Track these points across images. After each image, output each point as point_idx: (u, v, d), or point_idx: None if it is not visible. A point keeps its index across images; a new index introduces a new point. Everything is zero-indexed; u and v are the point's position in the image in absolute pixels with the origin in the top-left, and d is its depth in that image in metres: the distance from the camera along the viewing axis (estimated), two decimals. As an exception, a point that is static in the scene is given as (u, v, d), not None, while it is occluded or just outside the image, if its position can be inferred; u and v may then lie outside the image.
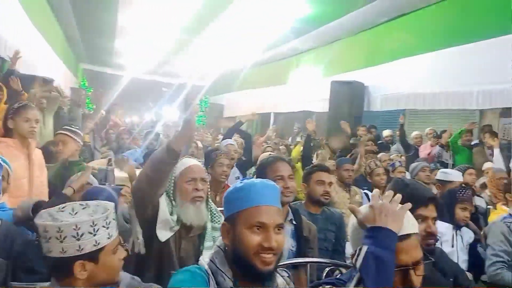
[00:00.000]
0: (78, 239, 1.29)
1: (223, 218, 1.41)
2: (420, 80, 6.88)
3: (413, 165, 4.69)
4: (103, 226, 1.35)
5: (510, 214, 2.92)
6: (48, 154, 3.18)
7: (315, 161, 5.01)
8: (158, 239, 1.89)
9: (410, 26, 7.38)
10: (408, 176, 4.54)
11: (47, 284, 1.41)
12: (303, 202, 2.90)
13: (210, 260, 1.33)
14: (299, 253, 2.34)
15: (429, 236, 1.78)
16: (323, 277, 2.10)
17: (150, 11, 8.54)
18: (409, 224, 1.35)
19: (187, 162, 2.04)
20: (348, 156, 5.02)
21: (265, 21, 8.57)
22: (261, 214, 1.26)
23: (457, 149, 6.09)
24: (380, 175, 4.09)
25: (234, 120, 11.90)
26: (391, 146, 7.08)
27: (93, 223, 1.32)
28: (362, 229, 1.34)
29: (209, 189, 2.08)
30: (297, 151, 4.49)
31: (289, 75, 11.55)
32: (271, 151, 5.46)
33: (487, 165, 4.96)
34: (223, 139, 5.00)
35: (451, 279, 2.18)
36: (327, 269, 2.17)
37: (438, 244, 2.48)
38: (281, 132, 10.43)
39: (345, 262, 2.38)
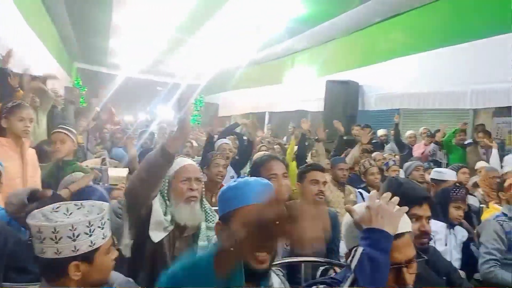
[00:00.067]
0: (74, 240, 1.28)
1: (217, 218, 1.41)
2: (414, 79, 6.91)
3: (407, 164, 4.72)
4: (99, 227, 1.34)
5: (503, 213, 2.95)
6: (42, 154, 3.16)
7: (309, 160, 5.02)
8: (151, 240, 1.88)
9: (404, 26, 7.41)
10: (402, 174, 4.57)
11: (37, 285, 1.39)
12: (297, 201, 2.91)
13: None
14: (293, 252, 2.34)
15: (423, 235, 1.80)
16: (318, 276, 2.11)
17: (145, 10, 8.51)
18: (403, 223, 1.36)
19: (181, 161, 2.04)
20: (342, 155, 5.04)
21: (260, 21, 8.57)
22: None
23: (451, 148, 6.15)
24: (374, 174, 4.11)
25: (228, 119, 11.91)
26: (386, 145, 7.12)
27: (89, 223, 1.31)
28: (358, 230, 1.35)
29: (203, 189, 2.08)
30: (291, 149, 4.51)
31: (284, 75, 11.56)
32: (265, 150, 5.47)
33: (480, 164, 4.99)
34: (218, 139, 5.01)
35: (444, 277, 2.19)
36: (321, 268, 2.18)
37: (431, 243, 2.50)
38: (276, 131, 10.45)
39: (339, 261, 2.39)
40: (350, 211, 1.41)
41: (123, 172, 4.13)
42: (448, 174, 3.86)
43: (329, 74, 8.88)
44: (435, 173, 3.93)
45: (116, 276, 1.58)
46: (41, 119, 4.38)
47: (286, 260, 2.16)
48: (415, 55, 6.90)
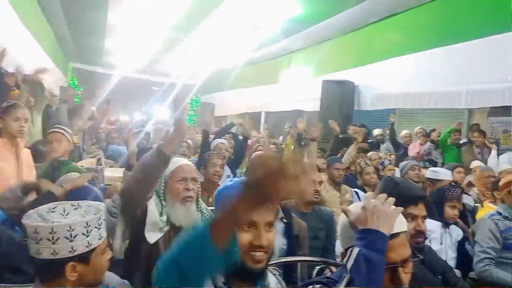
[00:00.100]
0: (71, 240, 1.27)
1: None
2: (409, 79, 6.94)
3: (402, 163, 4.73)
4: (96, 227, 1.33)
5: (497, 212, 2.96)
6: (37, 154, 3.15)
7: (306, 159, 5.02)
8: (147, 241, 1.87)
9: (400, 26, 7.43)
10: (397, 173, 4.59)
11: (31, 286, 1.38)
12: (293, 200, 2.91)
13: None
14: (290, 251, 2.35)
15: (419, 234, 1.80)
16: (314, 276, 2.11)
17: (141, 9, 8.50)
18: (398, 223, 1.36)
19: (178, 161, 2.04)
20: (338, 155, 5.05)
21: (256, 21, 8.57)
22: (251, 212, 1.27)
23: (446, 148, 6.18)
24: (370, 174, 4.12)
25: (225, 119, 11.90)
26: (381, 145, 7.14)
27: (86, 224, 1.30)
28: (354, 230, 1.35)
29: (199, 189, 2.08)
30: (289, 148, 4.51)
31: (280, 75, 11.56)
32: (262, 150, 5.47)
33: (475, 164, 5.02)
34: (214, 139, 5.01)
35: (440, 276, 2.20)
36: (317, 267, 2.18)
37: (427, 242, 2.51)
38: (272, 131, 10.45)
39: (336, 260, 2.40)
40: (345, 212, 1.41)
41: (118, 172, 4.11)
42: (443, 174, 3.88)
43: (325, 74, 8.89)
44: (431, 172, 3.94)
45: (111, 277, 1.57)
46: (36, 118, 4.36)
47: (283, 260, 2.17)
48: (410, 55, 6.92)
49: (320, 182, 2.90)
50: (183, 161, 2.07)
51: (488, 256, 2.73)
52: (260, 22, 8.65)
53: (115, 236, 1.90)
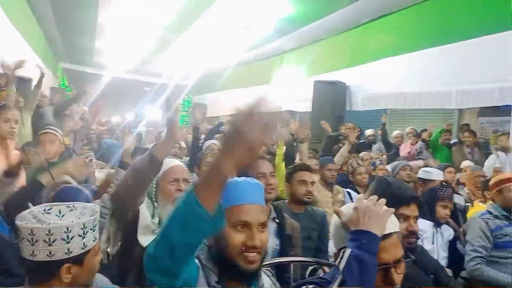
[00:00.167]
0: (68, 242, 1.26)
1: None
2: (400, 80, 6.98)
3: (394, 163, 4.76)
4: (91, 229, 1.33)
5: (488, 211, 2.99)
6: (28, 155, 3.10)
7: (298, 160, 5.02)
8: (140, 244, 1.86)
9: (392, 26, 7.47)
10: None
11: None
12: (286, 201, 2.91)
13: (196, 257, 1.32)
14: (283, 251, 2.35)
15: (411, 235, 1.81)
16: (307, 276, 2.12)
17: (132, 9, 8.44)
18: (390, 223, 1.37)
19: (169, 162, 2.02)
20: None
21: (248, 21, 8.56)
22: (244, 213, 1.26)
23: (437, 148, 6.24)
24: (362, 174, 4.13)
25: (217, 120, 11.83)
26: (373, 145, 7.18)
27: (83, 225, 1.30)
28: (346, 231, 1.36)
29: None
30: (280, 149, 4.50)
31: (272, 75, 11.57)
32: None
33: (465, 164, 5.07)
34: (204, 140, 4.99)
35: (432, 276, 2.22)
36: (310, 268, 2.19)
37: (419, 242, 2.52)
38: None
39: (328, 260, 2.40)
40: (337, 213, 1.42)
41: (110, 173, 4.07)
42: (435, 174, 3.91)
43: (317, 75, 8.91)
44: (423, 172, 3.97)
45: (101, 278, 1.55)
46: (26, 119, 4.31)
47: (276, 260, 2.17)
48: (401, 56, 6.96)
49: (312, 183, 2.91)
50: (175, 162, 2.06)
51: (479, 255, 2.75)
52: (252, 22, 8.64)
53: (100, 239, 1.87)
